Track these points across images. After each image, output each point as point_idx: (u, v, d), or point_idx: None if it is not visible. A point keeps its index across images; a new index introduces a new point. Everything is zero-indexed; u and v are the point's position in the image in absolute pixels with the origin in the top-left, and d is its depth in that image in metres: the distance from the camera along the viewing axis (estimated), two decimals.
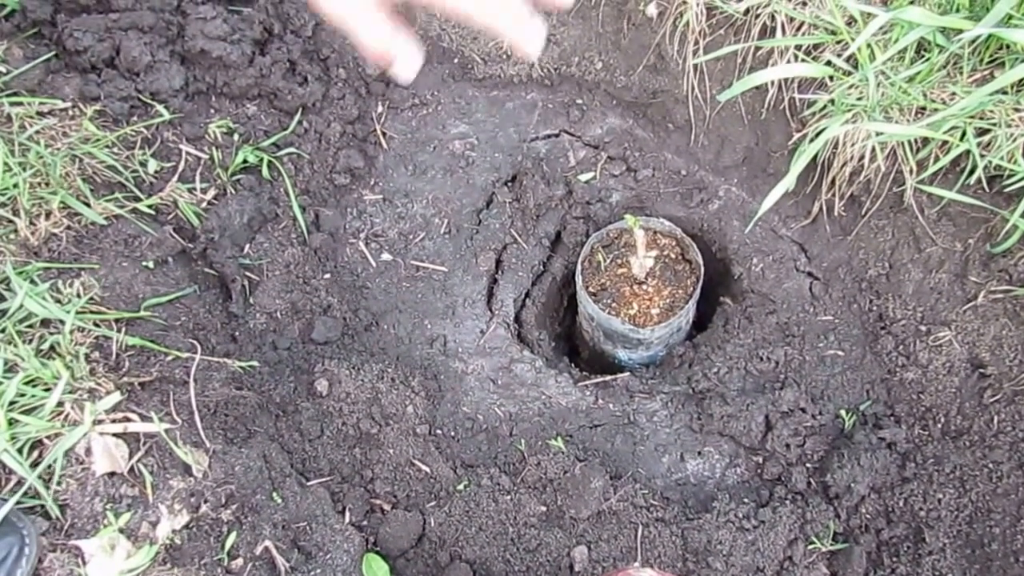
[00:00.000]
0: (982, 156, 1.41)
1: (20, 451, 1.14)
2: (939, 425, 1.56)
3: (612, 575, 1.05)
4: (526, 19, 0.61)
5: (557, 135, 1.94)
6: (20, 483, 1.13)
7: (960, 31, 1.33)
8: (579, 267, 1.76)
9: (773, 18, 1.57)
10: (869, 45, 1.42)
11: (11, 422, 1.14)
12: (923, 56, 1.46)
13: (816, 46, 1.54)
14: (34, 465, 1.14)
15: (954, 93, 1.43)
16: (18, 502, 1.11)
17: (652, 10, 1.74)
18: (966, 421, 1.53)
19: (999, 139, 1.40)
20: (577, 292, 1.77)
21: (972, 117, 1.41)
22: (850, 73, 1.48)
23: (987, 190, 1.49)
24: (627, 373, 1.74)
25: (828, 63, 1.50)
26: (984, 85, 1.37)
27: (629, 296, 1.76)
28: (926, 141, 1.49)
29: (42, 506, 1.13)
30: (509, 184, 1.91)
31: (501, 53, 1.92)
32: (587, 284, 1.77)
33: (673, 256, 1.79)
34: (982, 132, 1.42)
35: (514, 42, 0.62)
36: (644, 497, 1.52)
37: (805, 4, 1.54)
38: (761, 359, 1.68)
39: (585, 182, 1.88)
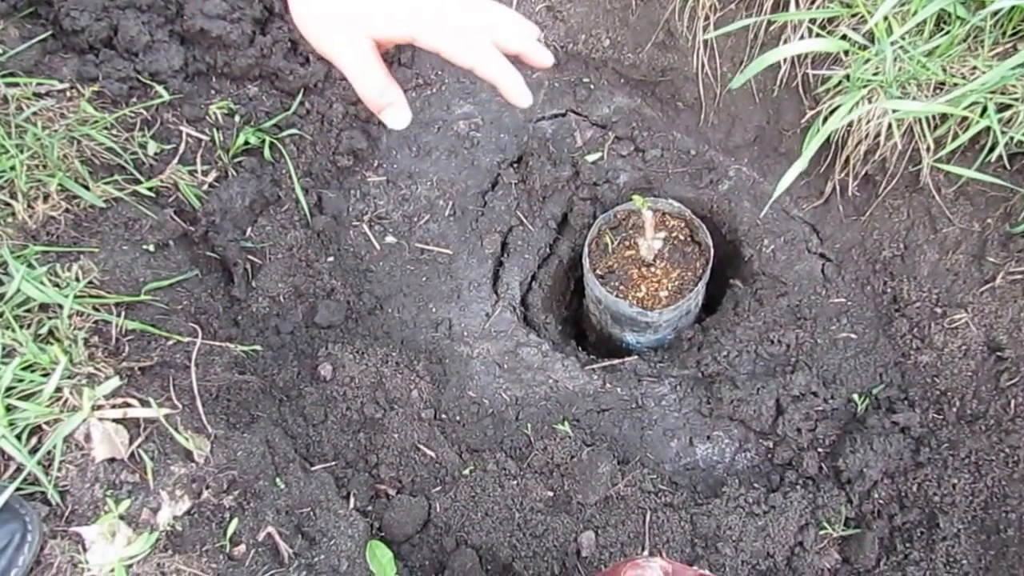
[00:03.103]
0: (1003, 133, 1.37)
1: (19, 437, 1.12)
2: (954, 409, 1.53)
3: (619, 566, 1.03)
4: (516, 75, 0.70)
5: (564, 115, 1.90)
6: (20, 469, 1.11)
7: (982, 2, 1.28)
8: (586, 249, 1.73)
9: None
10: (887, 18, 1.37)
11: (9, 408, 1.12)
12: (943, 29, 1.41)
13: (831, 20, 1.50)
14: (33, 451, 1.12)
15: (975, 67, 1.38)
16: (18, 488, 1.10)
17: None
18: (982, 405, 1.50)
19: (1021, 115, 1.35)
20: (584, 275, 1.74)
21: (993, 92, 1.36)
22: (866, 47, 1.44)
23: (1008, 168, 1.45)
24: (635, 356, 1.72)
25: (843, 37, 1.45)
26: (1007, 59, 1.33)
27: (637, 278, 1.73)
28: (944, 118, 1.45)
29: (42, 492, 1.12)
30: (515, 165, 1.88)
31: None
32: (594, 266, 1.74)
33: (682, 238, 1.76)
34: (1003, 108, 1.38)
35: (509, 94, 0.71)
36: (652, 482, 1.50)
37: None
38: (772, 342, 1.65)
39: (592, 163, 1.85)
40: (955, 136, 1.44)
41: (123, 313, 1.33)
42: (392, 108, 0.71)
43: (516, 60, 0.73)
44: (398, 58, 1.88)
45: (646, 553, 1.43)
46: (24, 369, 1.16)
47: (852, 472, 1.47)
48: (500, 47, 0.71)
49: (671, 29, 1.74)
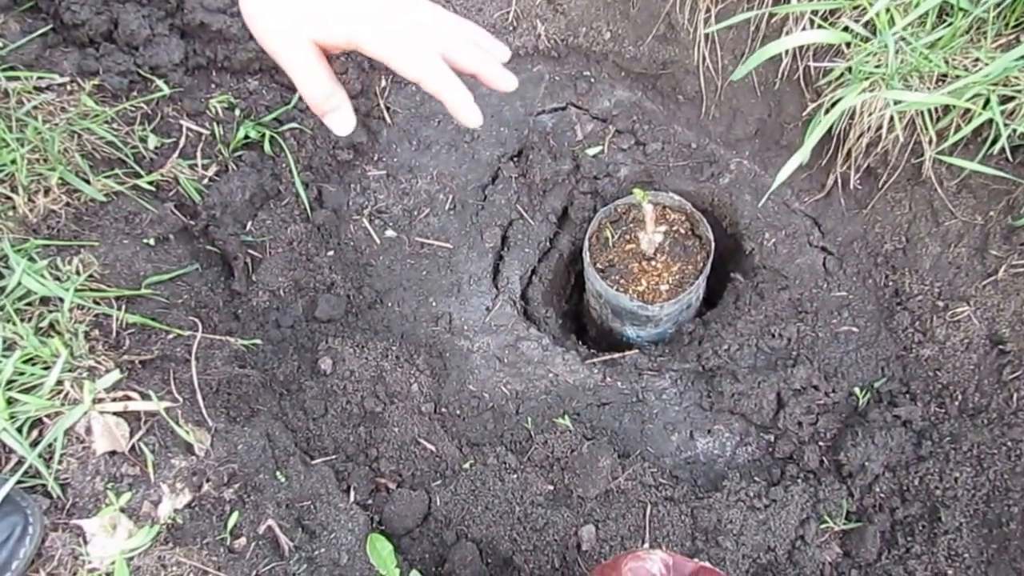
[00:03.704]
0: (1006, 125, 1.36)
1: (20, 430, 1.12)
2: (956, 403, 1.52)
3: (621, 558, 1.03)
4: (463, 94, 0.69)
5: (564, 108, 1.90)
6: (21, 462, 1.12)
7: None
8: (587, 243, 1.73)
9: None
10: (888, 9, 1.36)
11: (10, 401, 1.13)
12: (945, 20, 1.40)
13: (833, 11, 1.49)
14: (34, 444, 1.13)
15: (977, 59, 1.37)
16: (19, 481, 1.10)
17: None
18: (984, 399, 1.50)
19: None
20: (584, 269, 1.74)
21: (996, 84, 1.36)
22: (868, 39, 1.43)
23: (1010, 160, 1.44)
24: (635, 350, 1.71)
25: (845, 29, 1.44)
26: (1009, 50, 1.32)
27: (638, 272, 1.73)
28: (947, 110, 1.44)
29: (43, 485, 1.12)
30: (515, 159, 1.87)
31: (507, 24, 1.87)
32: (595, 260, 1.73)
33: (683, 231, 1.75)
34: (1006, 100, 1.37)
35: (455, 112, 0.70)
36: (653, 476, 1.50)
37: None
38: (773, 336, 1.64)
39: (593, 156, 1.84)
40: (957, 128, 1.43)
41: (123, 307, 1.33)
42: (336, 113, 0.71)
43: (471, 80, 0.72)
44: None
45: (646, 546, 1.42)
46: (25, 362, 1.17)
47: (853, 466, 1.47)
48: (453, 64, 0.70)
49: (672, 22, 1.74)
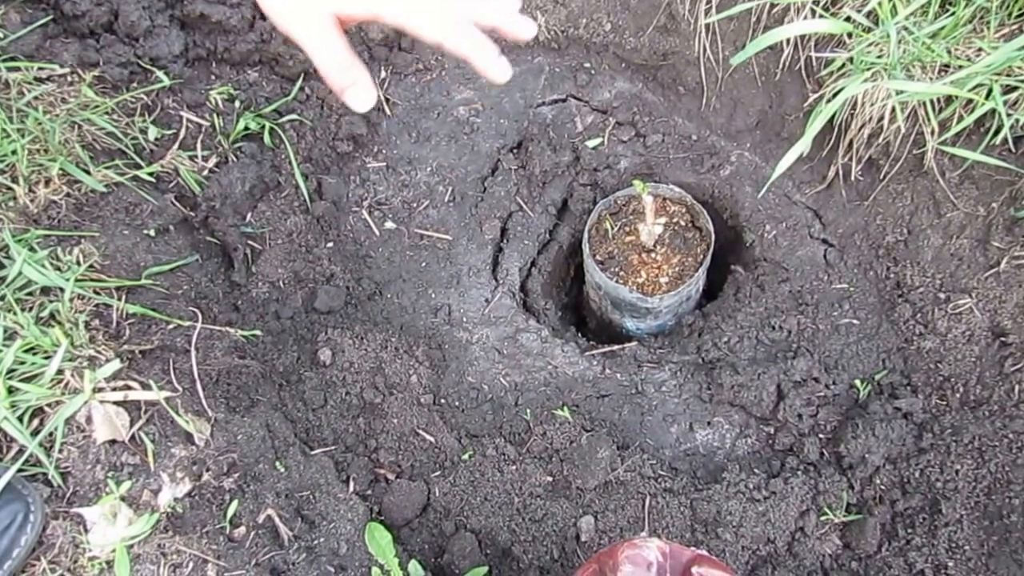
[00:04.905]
0: (1009, 115, 1.35)
1: (20, 419, 1.13)
2: (958, 395, 1.51)
3: (619, 546, 1.03)
4: (489, 48, 0.66)
5: (564, 100, 1.89)
6: (22, 451, 1.12)
7: None
8: (586, 235, 1.72)
9: None
10: None
11: (11, 390, 1.13)
12: (948, 10, 1.39)
13: (834, 1, 1.48)
14: (35, 433, 1.13)
15: (980, 49, 1.36)
16: (20, 470, 1.11)
17: None
18: (986, 391, 1.49)
19: None
20: (584, 260, 1.74)
21: (999, 74, 1.35)
22: (870, 29, 1.42)
23: (1013, 151, 1.43)
24: (635, 342, 1.71)
25: (847, 19, 1.44)
26: (1012, 40, 1.31)
27: (637, 264, 1.73)
28: (949, 100, 1.43)
29: (44, 474, 1.13)
30: (515, 151, 1.87)
31: None
32: (594, 252, 1.73)
33: (683, 223, 1.75)
34: (1009, 89, 1.36)
35: (483, 68, 0.67)
36: (652, 467, 1.50)
37: None
38: (773, 328, 1.64)
39: (593, 148, 1.84)
40: (960, 119, 1.42)
41: (124, 297, 1.34)
42: (355, 88, 0.67)
43: (495, 34, 0.70)
44: (398, 43, 1.87)
45: (644, 534, 1.43)
46: (26, 352, 1.17)
47: (854, 458, 1.46)
48: (473, 20, 0.68)
49: (672, 12, 1.73)
